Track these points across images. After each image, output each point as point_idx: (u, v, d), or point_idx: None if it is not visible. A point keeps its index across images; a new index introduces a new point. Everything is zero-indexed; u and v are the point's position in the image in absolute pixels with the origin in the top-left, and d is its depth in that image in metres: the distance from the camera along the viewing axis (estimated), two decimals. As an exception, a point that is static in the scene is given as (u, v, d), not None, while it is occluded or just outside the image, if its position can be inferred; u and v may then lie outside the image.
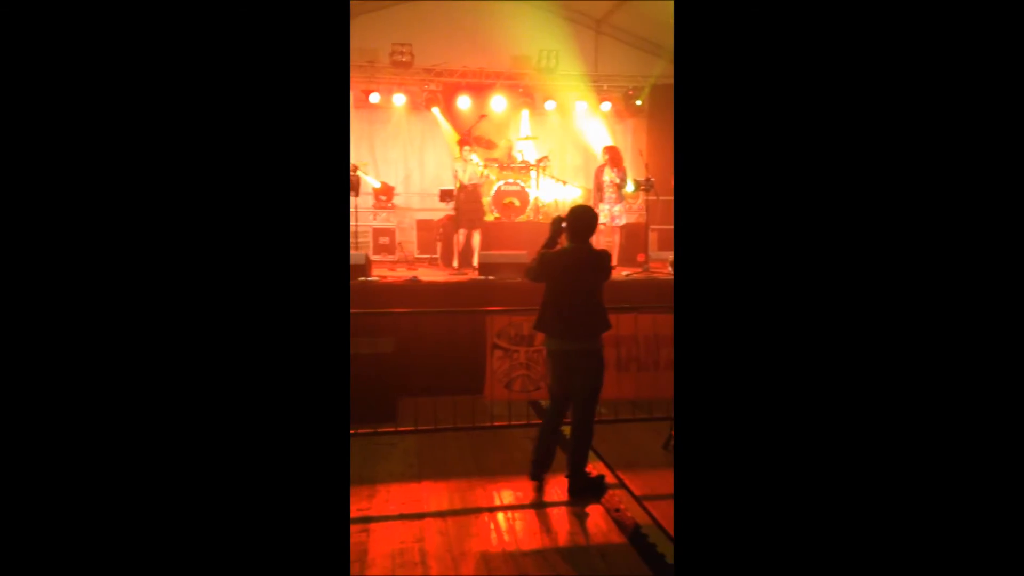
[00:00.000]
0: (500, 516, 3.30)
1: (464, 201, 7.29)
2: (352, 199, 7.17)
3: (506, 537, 3.08)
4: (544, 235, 3.65)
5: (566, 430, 4.51)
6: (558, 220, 3.57)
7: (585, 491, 3.51)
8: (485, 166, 8.05)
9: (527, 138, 9.14)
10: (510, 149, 8.97)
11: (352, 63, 9.30)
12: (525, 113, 9.45)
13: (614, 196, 7.38)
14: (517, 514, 3.33)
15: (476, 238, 7.33)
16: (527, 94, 9.41)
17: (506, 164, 8.69)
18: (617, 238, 7.58)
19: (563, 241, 3.56)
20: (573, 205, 4.31)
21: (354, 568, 2.77)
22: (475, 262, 7.17)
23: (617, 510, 3.36)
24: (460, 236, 7.32)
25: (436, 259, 8.18)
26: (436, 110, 9.34)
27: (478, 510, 3.38)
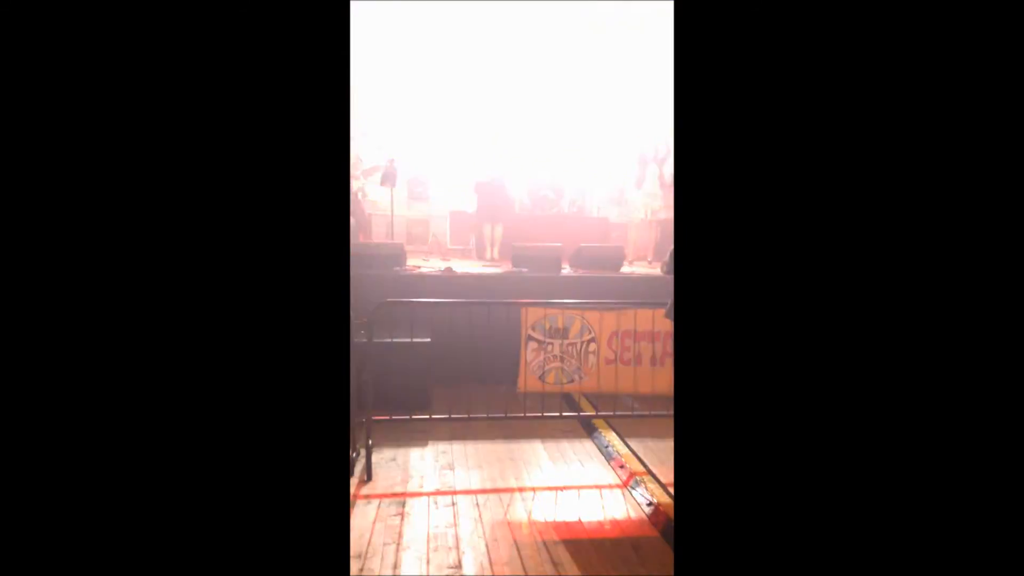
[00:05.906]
0: (533, 506, 3.33)
1: (487, 195, 7.30)
2: (389, 190, 7.24)
3: (539, 527, 3.11)
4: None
5: (599, 423, 4.52)
6: None
7: None
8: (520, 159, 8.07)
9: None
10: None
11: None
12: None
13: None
14: (550, 505, 3.35)
15: (499, 231, 7.33)
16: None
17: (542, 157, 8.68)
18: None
19: None
20: None
21: (389, 550, 2.83)
22: (494, 254, 7.17)
23: (650, 503, 3.37)
24: (487, 229, 7.34)
25: (470, 250, 8.22)
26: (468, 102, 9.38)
27: (511, 494, 3.42)
